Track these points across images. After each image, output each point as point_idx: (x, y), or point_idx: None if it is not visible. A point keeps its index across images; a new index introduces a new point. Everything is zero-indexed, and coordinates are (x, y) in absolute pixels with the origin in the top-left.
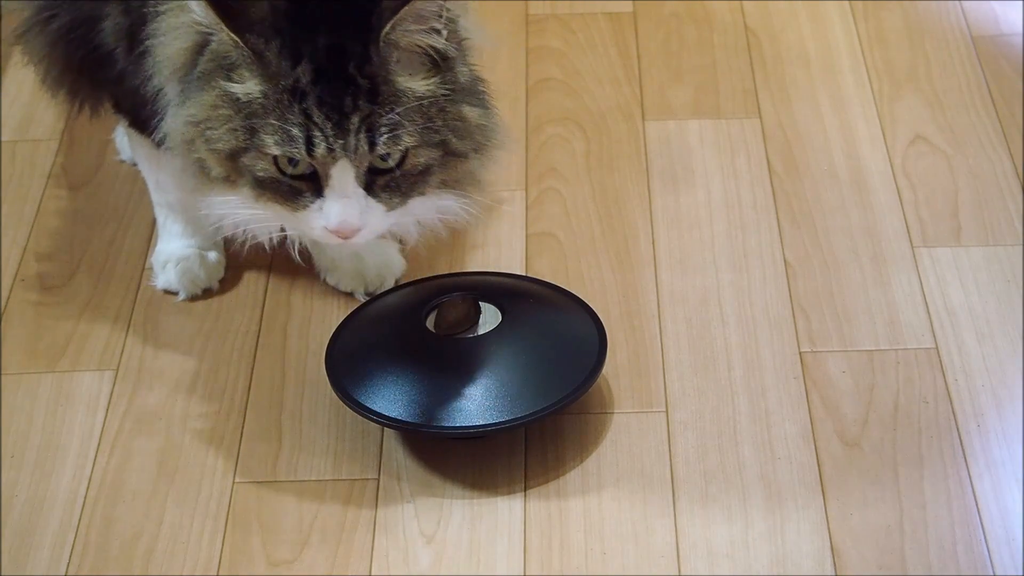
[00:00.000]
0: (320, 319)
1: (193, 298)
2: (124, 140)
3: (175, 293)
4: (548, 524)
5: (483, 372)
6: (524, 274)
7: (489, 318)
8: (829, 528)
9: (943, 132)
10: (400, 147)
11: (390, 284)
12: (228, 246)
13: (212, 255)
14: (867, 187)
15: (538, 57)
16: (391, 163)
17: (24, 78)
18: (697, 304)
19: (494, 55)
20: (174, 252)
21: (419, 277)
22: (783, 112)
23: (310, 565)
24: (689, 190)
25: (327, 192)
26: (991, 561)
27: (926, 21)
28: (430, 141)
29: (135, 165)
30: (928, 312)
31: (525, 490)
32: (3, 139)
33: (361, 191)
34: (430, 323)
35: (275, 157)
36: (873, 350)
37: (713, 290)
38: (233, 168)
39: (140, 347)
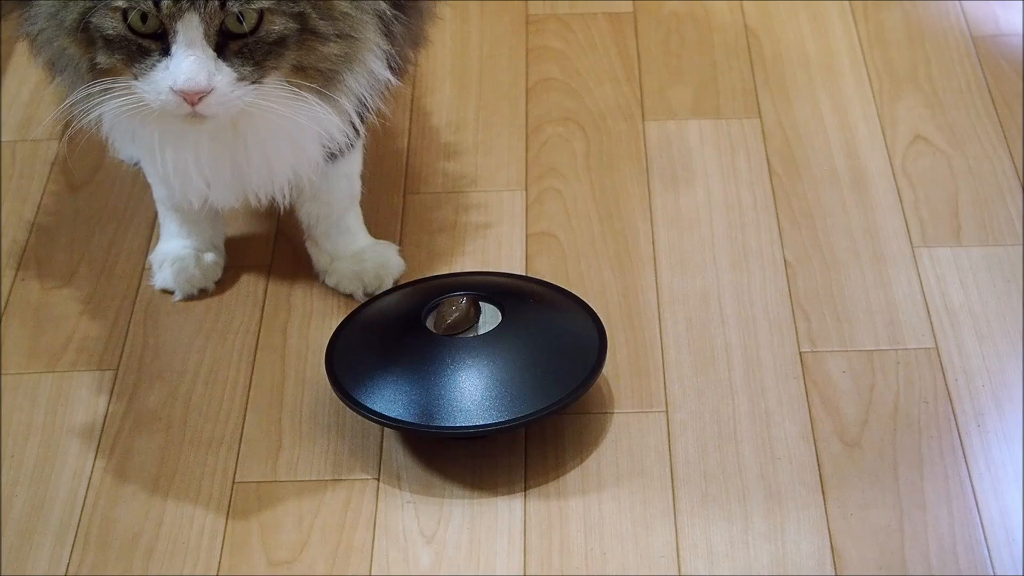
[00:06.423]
0: (320, 319)
1: (189, 298)
2: None
3: (171, 292)
4: (548, 524)
5: (483, 372)
6: (524, 274)
7: (489, 318)
8: (829, 528)
9: (943, 132)
10: (254, 7)
11: (388, 285)
12: (227, 247)
13: (209, 256)
14: (867, 187)
15: (538, 57)
16: (245, 27)
17: (24, 78)
18: (697, 304)
19: (494, 55)
20: (171, 252)
21: (418, 277)
22: (783, 112)
23: (310, 565)
24: (689, 190)
25: (174, 48)
26: (991, 561)
27: (926, 21)
28: (288, 10)
29: (135, 165)
30: (928, 312)
31: (525, 490)
32: (3, 139)
33: (211, 51)
34: (430, 323)
35: (124, 11)
36: (873, 350)
37: (713, 290)
38: (86, 39)
39: (140, 347)
